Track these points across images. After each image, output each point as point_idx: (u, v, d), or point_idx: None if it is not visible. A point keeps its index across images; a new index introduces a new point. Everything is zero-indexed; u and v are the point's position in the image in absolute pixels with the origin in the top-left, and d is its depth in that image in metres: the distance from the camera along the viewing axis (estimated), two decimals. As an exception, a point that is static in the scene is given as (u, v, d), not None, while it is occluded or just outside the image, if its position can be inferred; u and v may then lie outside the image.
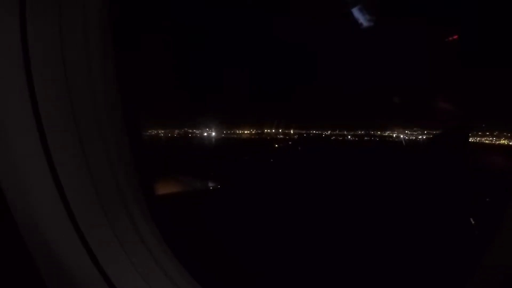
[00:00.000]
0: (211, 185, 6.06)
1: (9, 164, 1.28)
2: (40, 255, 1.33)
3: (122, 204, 1.54)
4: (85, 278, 1.39)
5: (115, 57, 1.54)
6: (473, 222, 3.93)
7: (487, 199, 4.26)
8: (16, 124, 1.28)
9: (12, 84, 1.26)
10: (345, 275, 3.48)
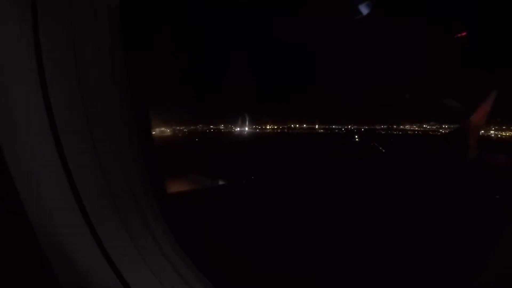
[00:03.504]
0: (223, 183, 6.04)
1: (24, 165, 1.29)
2: (54, 254, 1.34)
3: (134, 203, 1.56)
4: (99, 275, 1.40)
5: (126, 57, 1.54)
6: (482, 220, 3.90)
7: (497, 197, 4.22)
8: (30, 127, 1.29)
9: (25, 87, 1.28)
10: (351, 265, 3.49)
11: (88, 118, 1.42)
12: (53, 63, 1.32)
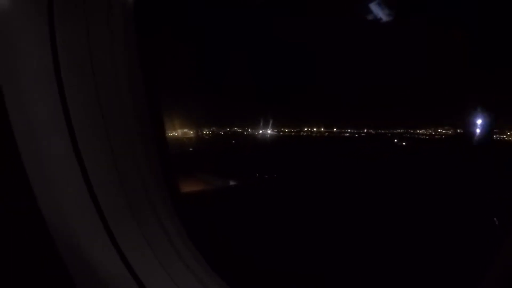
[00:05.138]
0: (235, 183, 6.03)
1: (41, 166, 1.30)
2: (69, 254, 1.34)
3: (149, 203, 1.54)
4: (113, 275, 1.39)
5: (140, 58, 1.53)
6: (496, 221, 3.83)
7: None
8: (47, 128, 1.29)
9: (42, 88, 1.27)
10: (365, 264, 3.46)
11: (104, 119, 1.41)
12: (69, 64, 1.31)
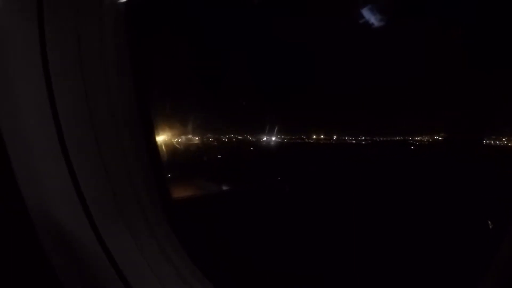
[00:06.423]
0: (226, 188, 6.02)
1: (29, 169, 1.27)
2: (58, 257, 1.31)
3: (138, 207, 1.51)
4: (102, 278, 1.36)
5: (132, 62, 1.50)
6: (490, 224, 3.81)
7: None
8: (36, 131, 1.26)
9: (31, 91, 1.24)
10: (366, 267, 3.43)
11: (93, 122, 1.38)
12: (59, 66, 1.28)
